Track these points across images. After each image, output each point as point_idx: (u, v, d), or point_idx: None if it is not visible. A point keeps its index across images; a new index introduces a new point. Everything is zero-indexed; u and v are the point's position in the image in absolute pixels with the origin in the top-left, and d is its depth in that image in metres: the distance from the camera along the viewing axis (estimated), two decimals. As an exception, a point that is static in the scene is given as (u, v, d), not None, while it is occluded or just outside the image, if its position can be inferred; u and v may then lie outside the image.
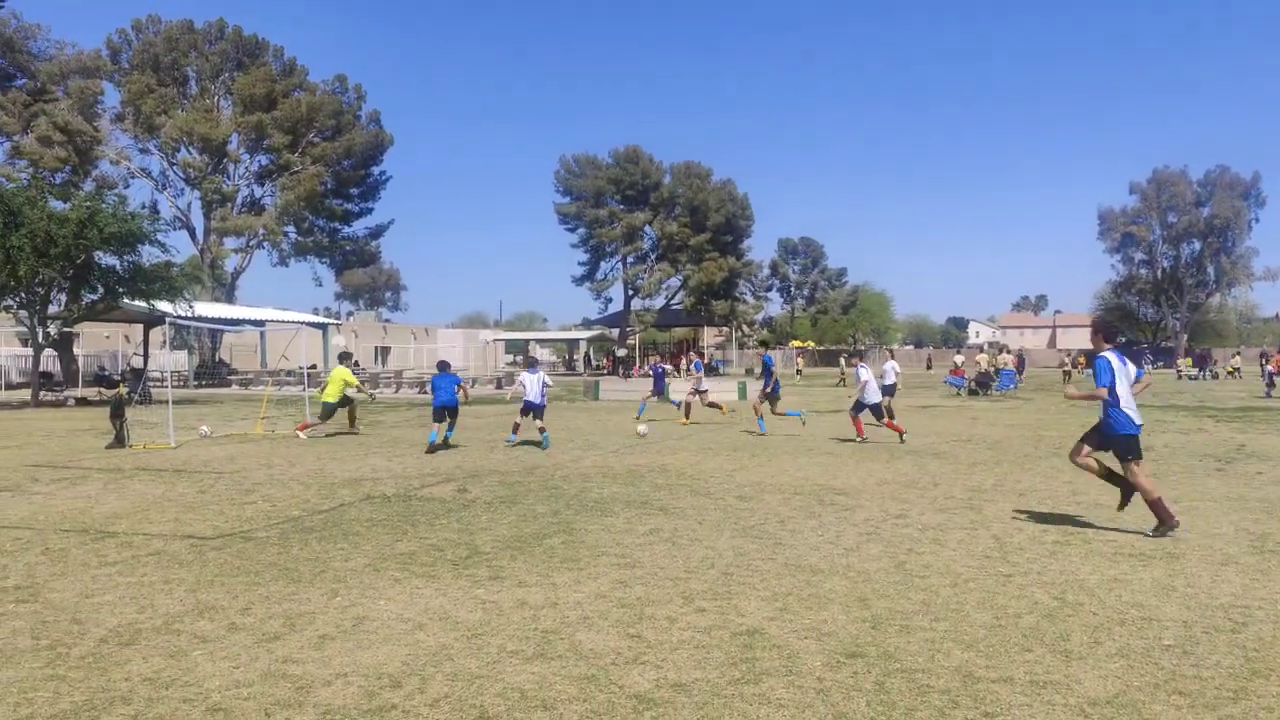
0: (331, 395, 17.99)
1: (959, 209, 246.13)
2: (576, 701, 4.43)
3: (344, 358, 19.35)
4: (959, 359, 41.72)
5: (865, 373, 17.08)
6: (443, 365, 17.41)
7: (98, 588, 6.47)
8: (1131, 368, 8.58)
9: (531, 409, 16.33)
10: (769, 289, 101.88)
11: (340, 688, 4.59)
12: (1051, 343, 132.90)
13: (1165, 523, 8.21)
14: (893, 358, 22.25)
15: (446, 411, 16.09)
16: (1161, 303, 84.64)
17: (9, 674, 4.77)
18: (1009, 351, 41.18)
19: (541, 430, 16.03)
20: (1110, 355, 8.45)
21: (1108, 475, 8.71)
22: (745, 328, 79.75)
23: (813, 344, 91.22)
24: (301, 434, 17.36)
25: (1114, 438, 8.43)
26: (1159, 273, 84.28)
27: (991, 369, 36.39)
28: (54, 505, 9.92)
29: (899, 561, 7.26)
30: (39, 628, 5.56)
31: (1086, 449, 8.71)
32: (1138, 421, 8.41)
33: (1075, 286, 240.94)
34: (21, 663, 4.94)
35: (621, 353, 62.22)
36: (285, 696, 4.47)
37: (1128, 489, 8.56)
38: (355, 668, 4.88)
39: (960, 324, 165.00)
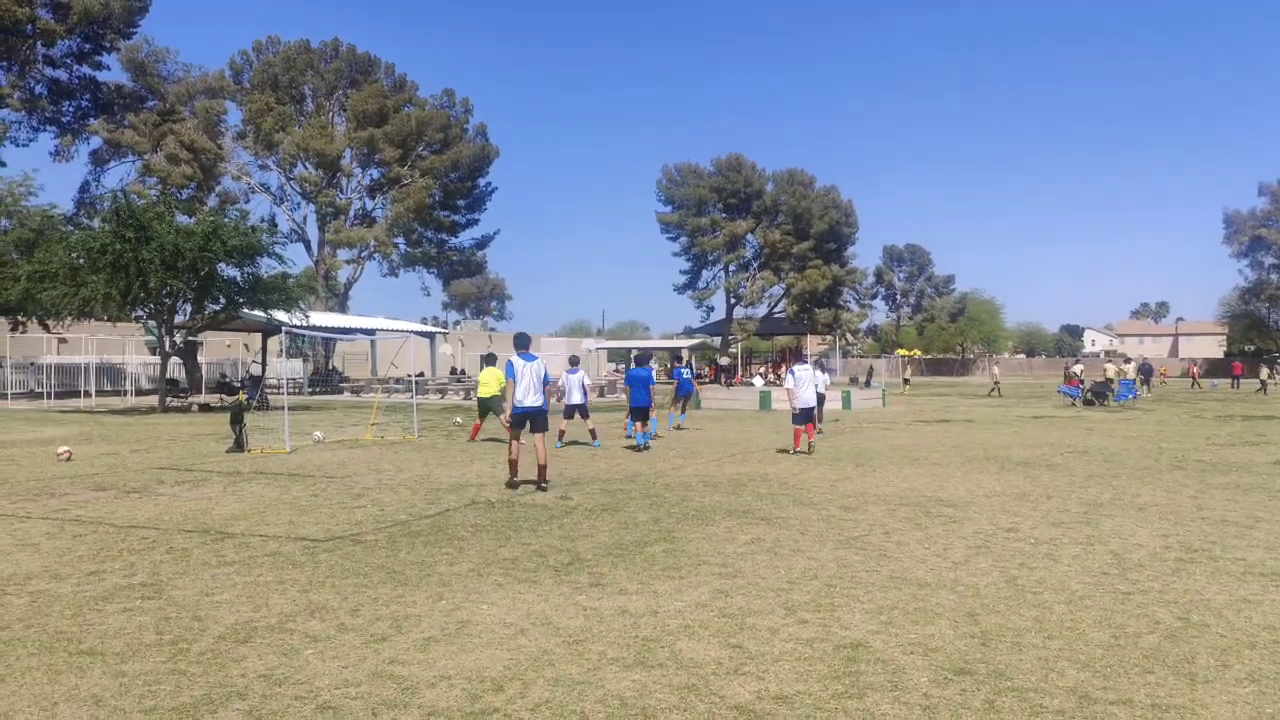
0: (486, 392, 18.74)
1: (1074, 213, 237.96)
2: (676, 710, 4.41)
3: (488, 360, 19.70)
4: (1078, 368, 40.13)
5: (790, 379, 16.72)
6: (574, 360, 18.37)
7: (217, 586, 6.73)
8: None
9: (575, 410, 16.62)
10: (874, 296, 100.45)
11: (444, 690, 4.67)
12: (1173, 351, 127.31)
13: None
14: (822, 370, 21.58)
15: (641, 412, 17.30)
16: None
17: (135, 666, 5.00)
18: (1128, 360, 39.62)
19: (592, 432, 16.23)
20: None
21: None
22: (849, 336, 78.66)
23: (919, 352, 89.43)
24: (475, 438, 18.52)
25: None
26: (1291, 277, 79.98)
27: (1115, 377, 35.04)
28: (177, 506, 10.37)
29: (1010, 576, 7.02)
30: (163, 624, 5.81)
31: None
32: None
33: (1199, 293, 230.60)
34: (147, 656, 5.17)
35: (724, 361, 61.98)
36: (391, 697, 4.57)
37: None
38: (459, 670, 4.95)
39: (1075, 332, 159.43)
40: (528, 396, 11.87)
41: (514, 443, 11.89)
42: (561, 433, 16.57)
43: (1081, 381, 35.71)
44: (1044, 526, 9.13)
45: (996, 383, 45.95)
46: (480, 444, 17.96)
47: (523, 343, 12.56)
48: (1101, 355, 73.18)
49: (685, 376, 23.46)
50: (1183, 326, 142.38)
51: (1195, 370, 54.44)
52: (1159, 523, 9.34)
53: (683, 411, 22.53)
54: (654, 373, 17.47)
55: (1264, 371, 47.38)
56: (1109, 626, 5.75)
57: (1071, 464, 14.52)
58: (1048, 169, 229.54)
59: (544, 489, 11.58)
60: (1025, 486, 11.98)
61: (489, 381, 18.71)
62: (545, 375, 12.30)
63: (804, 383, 16.34)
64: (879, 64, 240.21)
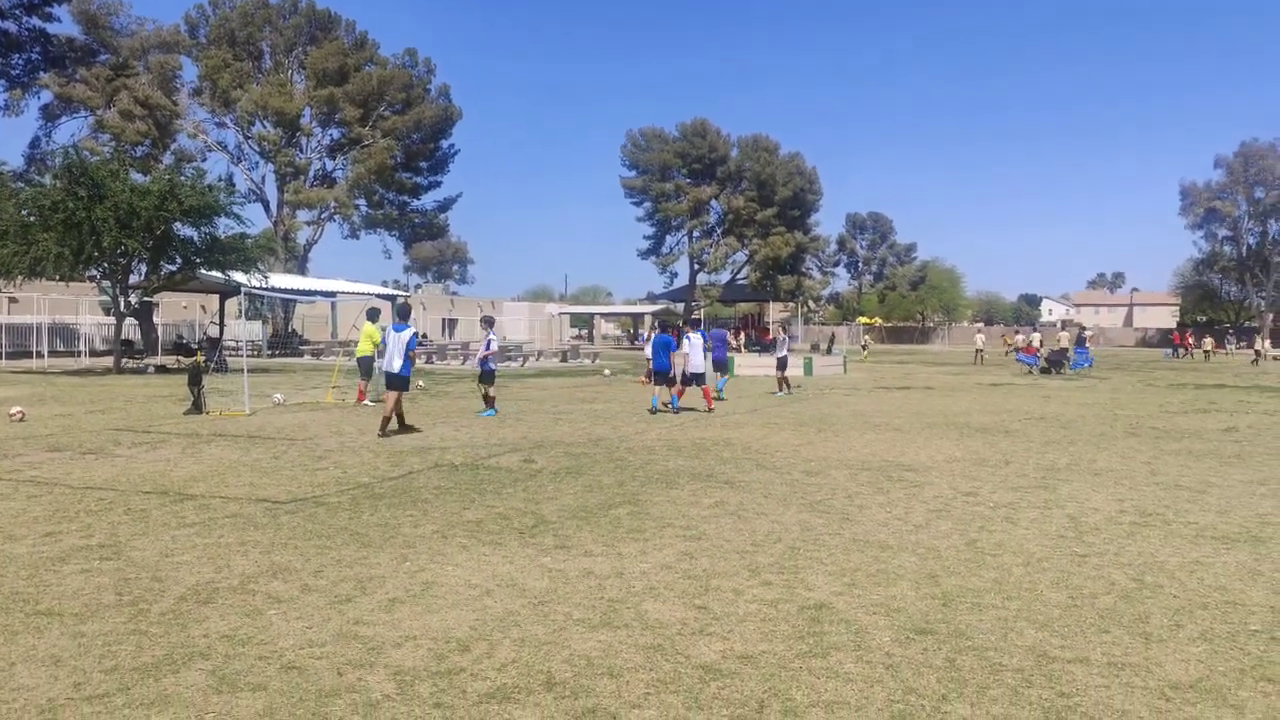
0: (363, 350, 18.54)
1: (1032, 184, 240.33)
2: (642, 670, 4.43)
3: (372, 314, 18.60)
4: (1035, 336, 40.67)
5: (687, 343, 17.98)
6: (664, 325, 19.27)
7: (177, 548, 6.65)
8: None
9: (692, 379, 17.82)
10: (836, 264, 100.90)
11: (410, 650, 4.66)
12: (1128, 321, 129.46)
13: None
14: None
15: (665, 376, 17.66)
16: (1246, 281, 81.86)
17: (95, 627, 4.93)
18: (1086, 330, 40.27)
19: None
20: None
21: None
22: (811, 303, 79.04)
23: (880, 321, 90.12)
24: (367, 402, 17.78)
25: None
26: (1244, 250, 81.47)
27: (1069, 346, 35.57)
28: (135, 468, 10.22)
29: (970, 539, 7.13)
30: (122, 584, 5.73)
31: None
32: None
33: (1154, 264, 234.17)
34: (106, 617, 5.10)
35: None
36: (357, 657, 4.55)
37: None
38: (424, 631, 4.94)
39: (1033, 301, 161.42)
40: (391, 362, 13.75)
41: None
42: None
43: (1039, 349, 36.22)
44: (1003, 491, 9.26)
45: (979, 350, 46.65)
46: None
47: (403, 313, 14.40)
48: (1059, 325, 74.20)
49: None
50: (1137, 297, 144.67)
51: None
52: (1114, 487, 9.51)
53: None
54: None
55: (1209, 342, 48.32)
56: (1066, 588, 5.85)
57: (1029, 430, 14.74)
58: (1010, 140, 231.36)
59: (383, 436, 13.15)
60: (984, 452, 12.15)
61: (365, 338, 18.59)
62: (411, 343, 13.85)
63: (695, 348, 17.81)
64: (846, 33, 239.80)
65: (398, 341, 13.70)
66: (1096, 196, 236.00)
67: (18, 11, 39.19)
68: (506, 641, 4.80)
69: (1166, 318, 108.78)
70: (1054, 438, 13.77)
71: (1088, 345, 36.50)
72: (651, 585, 5.84)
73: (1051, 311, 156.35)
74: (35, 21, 40.15)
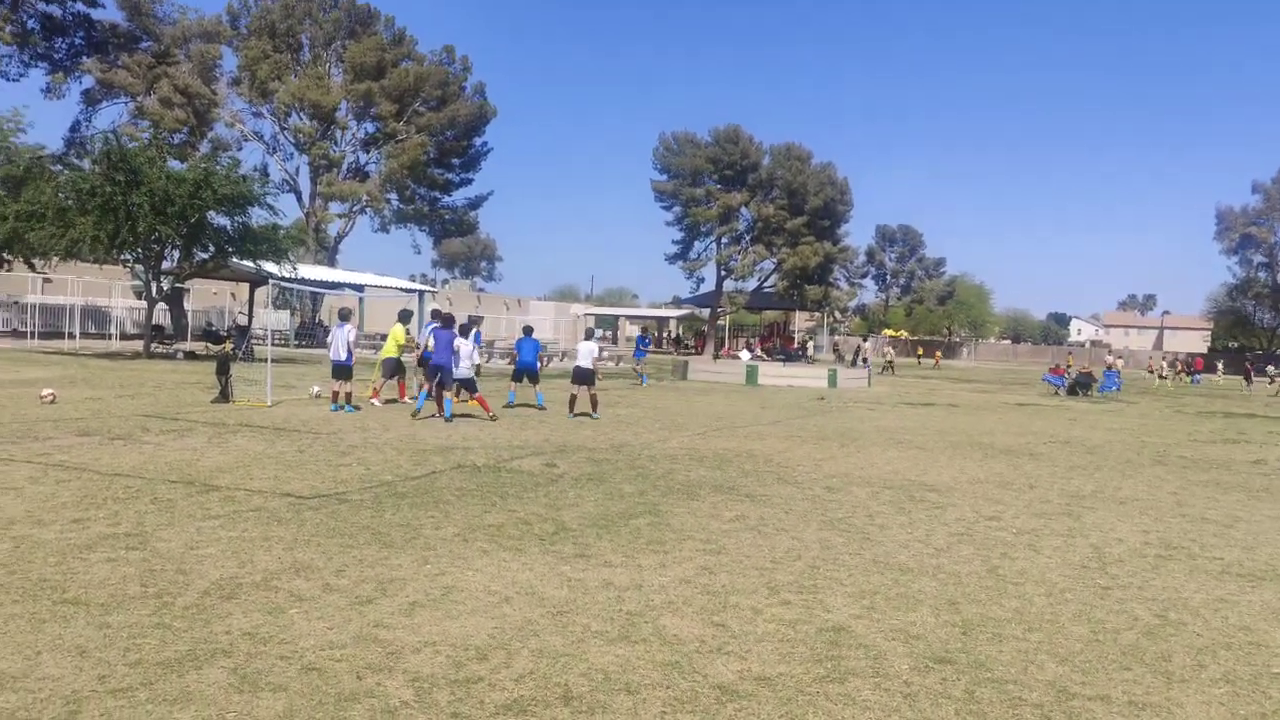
0: (389, 351, 17.98)
1: (1067, 202, 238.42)
2: (659, 688, 4.43)
3: (404, 316, 18.06)
4: (1069, 357, 40.32)
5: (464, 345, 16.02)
6: (527, 329, 18.26)
7: (202, 540, 6.72)
8: None
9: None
10: (864, 276, 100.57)
11: (429, 656, 4.68)
12: (1158, 344, 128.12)
13: None
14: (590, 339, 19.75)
15: (526, 374, 16.82)
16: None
17: (120, 618, 4.99)
18: (1111, 353, 39.85)
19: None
20: None
21: None
22: (838, 314, 78.72)
23: (906, 334, 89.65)
24: (375, 401, 17.37)
25: None
26: (1279, 277, 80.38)
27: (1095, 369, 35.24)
28: (162, 456, 10.33)
29: (992, 566, 7.08)
30: (147, 575, 5.80)
31: None
32: None
33: (1187, 287, 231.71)
34: (131, 609, 5.16)
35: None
36: (376, 661, 4.58)
37: None
38: (443, 637, 4.96)
39: (1062, 321, 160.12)
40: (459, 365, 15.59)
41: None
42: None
43: (1067, 371, 35.91)
44: (1026, 516, 9.19)
45: (889, 362, 47.08)
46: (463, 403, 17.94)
47: (450, 321, 16.23)
48: (1109, 350, 73.14)
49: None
50: (1168, 320, 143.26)
51: (1162, 364, 54.76)
52: (1140, 518, 9.42)
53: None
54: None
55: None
56: (1088, 621, 5.81)
57: (1054, 454, 14.62)
58: (1044, 158, 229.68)
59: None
60: (1008, 474, 12.06)
61: (393, 339, 17.98)
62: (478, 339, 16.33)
63: (460, 356, 15.85)
64: (882, 45, 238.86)
65: (464, 346, 15.69)
66: (1130, 217, 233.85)
67: (63, -4, 39.77)
68: (525, 651, 4.81)
69: (1198, 342, 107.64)
70: (1079, 463, 13.65)
71: (1117, 368, 36.09)
72: (670, 599, 5.84)
73: (1080, 331, 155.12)
74: (80, 6, 40.77)
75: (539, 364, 18.87)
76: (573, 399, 17.18)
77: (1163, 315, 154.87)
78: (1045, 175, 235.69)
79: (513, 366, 19.34)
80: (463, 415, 15.48)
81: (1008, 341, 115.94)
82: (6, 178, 37.66)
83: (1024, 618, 5.80)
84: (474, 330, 17.77)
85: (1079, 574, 6.97)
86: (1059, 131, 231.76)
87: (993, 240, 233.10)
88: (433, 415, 15.26)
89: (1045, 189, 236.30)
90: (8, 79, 39.47)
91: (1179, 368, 48.22)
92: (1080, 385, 32.96)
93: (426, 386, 15.90)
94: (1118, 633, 5.60)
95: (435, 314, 17.06)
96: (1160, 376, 45.69)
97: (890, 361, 50.63)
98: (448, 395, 15.41)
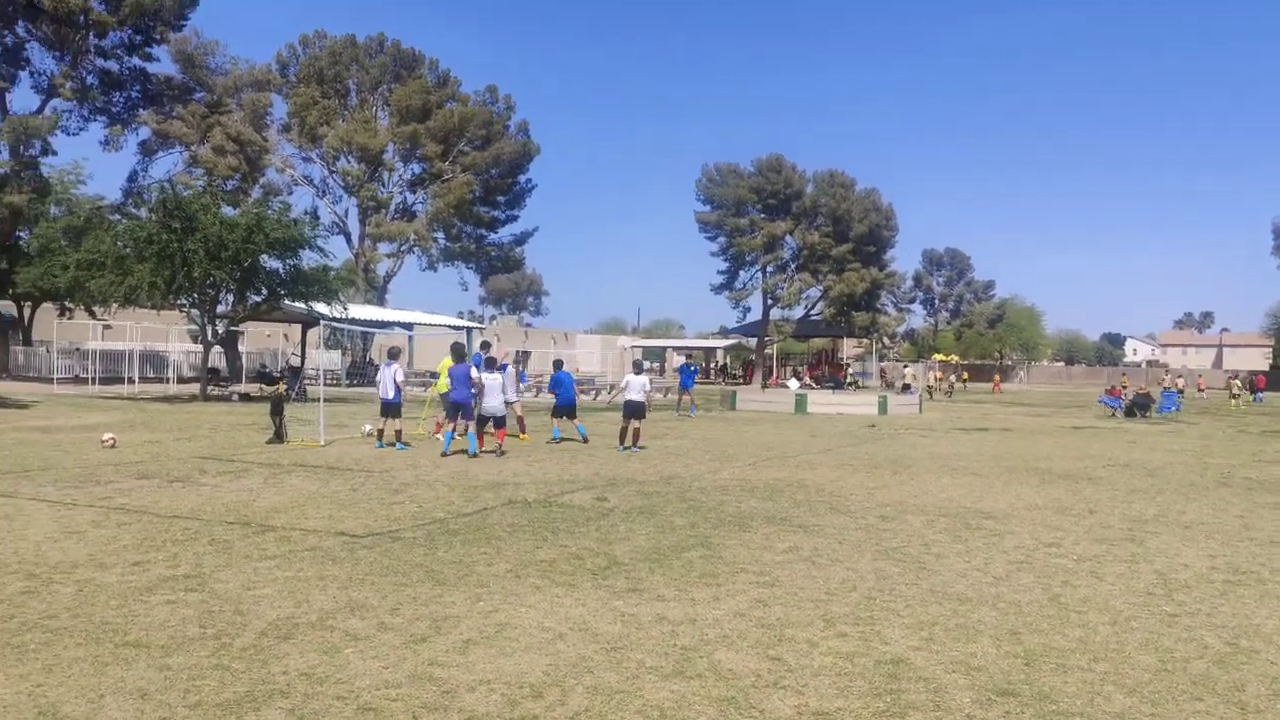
0: (443, 386, 17.45)
1: (1119, 220, 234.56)
2: (716, 724, 4.38)
3: (455, 349, 17.39)
4: (1123, 378, 39.65)
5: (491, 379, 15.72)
6: (557, 364, 18.35)
7: (258, 580, 6.79)
8: None
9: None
10: (912, 301, 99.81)
11: (484, 694, 4.67)
12: (1217, 362, 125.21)
13: None
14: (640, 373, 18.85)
15: (565, 411, 17.69)
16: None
17: (180, 660, 5.05)
18: (1168, 372, 39.03)
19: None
20: None
21: None
22: (886, 340, 78.07)
23: (956, 358, 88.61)
24: (439, 435, 17.34)
25: None
26: (1341, 291, 78.36)
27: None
28: (219, 497, 10.49)
29: (1053, 594, 6.92)
30: (205, 617, 5.87)
31: None
32: None
33: (1244, 304, 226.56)
34: (191, 650, 5.22)
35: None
36: (431, 700, 4.58)
37: None
38: (498, 675, 4.95)
39: (1116, 341, 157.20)
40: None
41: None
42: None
43: (1123, 392, 35.21)
44: (1087, 543, 8.99)
45: (951, 386, 46.70)
46: (512, 440, 17.99)
47: (457, 350, 16.80)
48: (1166, 370, 71.33)
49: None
50: (1227, 338, 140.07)
51: (1234, 383, 53.37)
52: (1205, 542, 9.16)
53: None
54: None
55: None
56: (1156, 650, 5.64)
57: (1114, 478, 14.30)
58: (1093, 175, 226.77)
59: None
60: (1067, 500, 11.82)
61: (444, 372, 17.41)
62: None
63: (490, 390, 15.58)
64: (923, 67, 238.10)
65: (493, 380, 15.68)
66: (1185, 234, 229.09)
67: (120, 52, 40.96)
68: (579, 689, 4.78)
69: (1259, 359, 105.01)
70: (1140, 486, 13.34)
71: (1176, 389, 35.30)
72: (725, 633, 5.79)
73: (1136, 351, 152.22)
74: (136, 61, 41.91)
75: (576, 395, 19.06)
76: (623, 431, 17.15)
77: (1221, 333, 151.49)
78: (1095, 193, 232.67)
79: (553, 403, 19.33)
80: (489, 451, 15.27)
81: (1061, 363, 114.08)
82: (68, 228, 38.87)
83: (1089, 647, 5.66)
84: (508, 365, 17.83)
85: (1144, 601, 6.79)
86: (1107, 149, 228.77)
87: (1043, 261, 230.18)
88: (461, 451, 15.22)
89: (1095, 207, 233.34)
90: (68, 133, 40.76)
91: (1239, 386, 46.94)
92: (1138, 406, 32.29)
93: (450, 425, 15.67)
94: (1187, 662, 5.44)
95: (484, 345, 17.12)
96: (1232, 395, 44.51)
97: (952, 386, 50.28)
98: (448, 428, 15.55)
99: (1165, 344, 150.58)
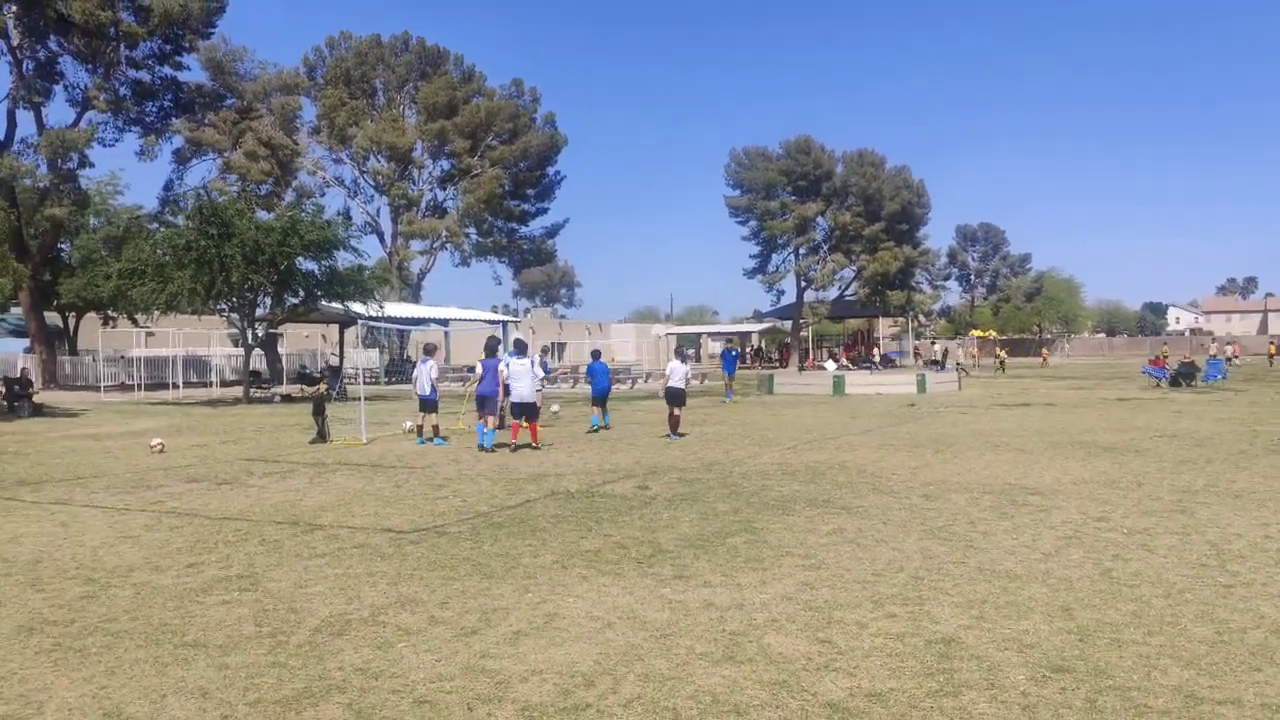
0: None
1: (1156, 187, 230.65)
2: (769, 708, 4.39)
3: (490, 344, 17.04)
4: (1164, 347, 39.13)
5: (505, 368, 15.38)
6: (595, 354, 18.49)
7: (310, 578, 6.89)
8: None
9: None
10: (947, 278, 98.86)
11: (536, 684, 4.71)
12: (1262, 328, 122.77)
13: None
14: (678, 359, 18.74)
15: (600, 400, 17.99)
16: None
17: (237, 659, 5.14)
18: (1214, 340, 38.40)
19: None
20: None
21: None
22: (922, 318, 77.39)
23: (994, 333, 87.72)
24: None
25: None
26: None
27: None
28: (267, 498, 10.64)
29: (1104, 569, 6.85)
30: (260, 615, 5.97)
31: None
32: None
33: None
34: (248, 649, 5.31)
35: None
36: (485, 691, 4.63)
37: None
38: (549, 665, 4.99)
39: (1158, 310, 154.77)
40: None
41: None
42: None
43: (1167, 361, 34.66)
44: (1136, 515, 8.88)
45: (961, 365, 46.50)
46: (552, 431, 18.06)
47: (522, 347, 16.34)
48: (1213, 338, 69.89)
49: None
50: (1272, 303, 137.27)
51: (1273, 348, 52.32)
52: (1258, 511, 9.02)
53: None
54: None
55: None
56: (1211, 621, 5.57)
57: (1161, 449, 14.10)
58: (1130, 143, 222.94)
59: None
60: (1114, 473, 11.67)
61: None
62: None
63: (518, 376, 15.32)
64: (949, 40, 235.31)
65: (523, 369, 15.38)
66: (1224, 199, 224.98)
67: (151, 62, 41.38)
68: (630, 676, 4.81)
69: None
70: (1188, 457, 13.14)
71: (1223, 356, 34.70)
72: (773, 617, 5.79)
73: (1179, 320, 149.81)
74: (167, 70, 42.33)
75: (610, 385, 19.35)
76: (673, 417, 17.14)
77: (1266, 298, 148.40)
78: (1129, 160, 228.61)
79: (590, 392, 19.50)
80: (525, 445, 15.16)
81: (1102, 335, 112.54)
82: (108, 238, 39.52)
83: (1143, 621, 5.60)
84: (536, 354, 17.85)
85: (1198, 573, 6.70)
86: (1143, 115, 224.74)
87: (1080, 232, 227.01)
88: (523, 445, 15.31)
89: (1130, 174, 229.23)
90: (105, 145, 41.28)
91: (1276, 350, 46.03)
92: (1183, 375, 31.78)
93: (482, 418, 15.56)
94: (1244, 632, 5.36)
95: (517, 343, 17.12)
96: (1270, 358, 43.70)
97: (1003, 361, 50.00)
98: (479, 421, 15.49)
99: (1208, 311, 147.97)
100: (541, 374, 16.16)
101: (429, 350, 17.39)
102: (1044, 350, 63.34)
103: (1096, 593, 6.22)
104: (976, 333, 75.85)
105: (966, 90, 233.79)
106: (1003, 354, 53.94)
